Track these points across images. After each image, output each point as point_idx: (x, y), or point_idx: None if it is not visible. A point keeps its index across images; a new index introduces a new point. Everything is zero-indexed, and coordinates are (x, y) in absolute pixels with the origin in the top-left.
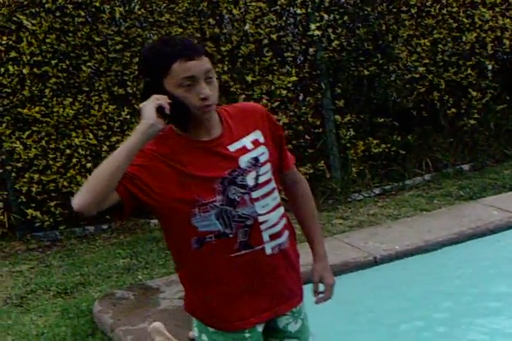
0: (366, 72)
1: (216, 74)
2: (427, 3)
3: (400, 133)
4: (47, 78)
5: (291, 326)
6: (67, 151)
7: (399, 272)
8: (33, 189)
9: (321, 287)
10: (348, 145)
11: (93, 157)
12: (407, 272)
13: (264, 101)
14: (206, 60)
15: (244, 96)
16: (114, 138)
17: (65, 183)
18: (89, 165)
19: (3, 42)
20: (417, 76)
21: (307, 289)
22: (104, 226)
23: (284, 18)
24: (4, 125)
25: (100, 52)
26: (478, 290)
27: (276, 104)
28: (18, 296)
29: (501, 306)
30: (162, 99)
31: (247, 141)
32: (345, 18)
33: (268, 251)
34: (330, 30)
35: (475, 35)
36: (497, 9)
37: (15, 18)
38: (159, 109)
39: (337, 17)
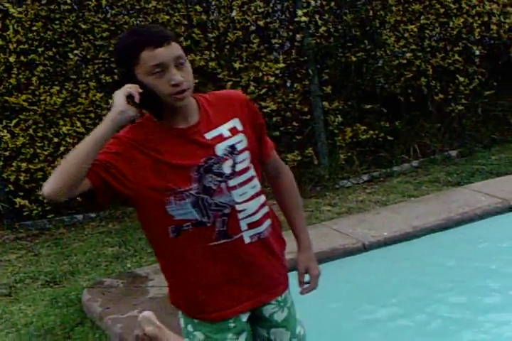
0: (354, 58)
1: (203, 61)
2: None
3: (388, 119)
4: (34, 66)
5: (277, 315)
6: (55, 140)
7: (387, 258)
8: (21, 177)
9: (307, 277)
10: (336, 131)
11: None
12: (396, 258)
13: (252, 88)
14: (176, 47)
15: (231, 83)
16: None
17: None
18: None
19: None
20: (405, 62)
21: (292, 277)
22: (93, 215)
23: (271, 5)
24: None
25: (87, 39)
26: (468, 275)
27: (264, 90)
28: (7, 285)
29: (492, 289)
30: (133, 88)
31: (224, 129)
32: (332, 4)
33: (246, 239)
34: (317, 16)
35: (462, 20)
36: None
37: (0, 6)
38: (129, 97)
39: (324, 3)
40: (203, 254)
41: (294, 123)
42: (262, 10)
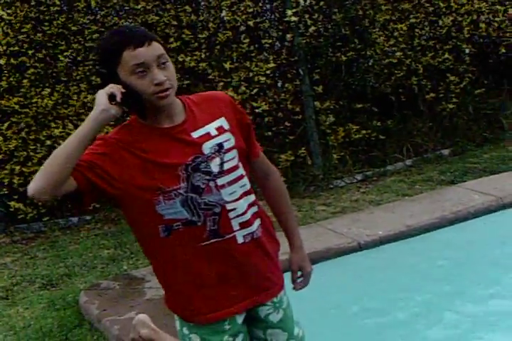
0: (344, 58)
1: (194, 62)
2: None
3: (380, 118)
4: (24, 68)
5: (273, 316)
6: (48, 142)
7: (383, 257)
8: (15, 181)
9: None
10: (328, 131)
11: None
12: (391, 257)
13: (243, 88)
14: (157, 46)
15: (222, 83)
16: None
17: None
18: None
19: None
20: (395, 61)
21: (287, 277)
22: (88, 217)
23: (261, 5)
24: None
25: (77, 41)
26: (463, 274)
27: (256, 90)
28: (4, 289)
29: (487, 288)
30: (115, 88)
31: (211, 128)
32: (322, 3)
33: (240, 239)
34: (306, 15)
35: (451, 18)
36: None
37: None
38: (111, 97)
39: (313, 2)
40: (195, 254)
41: (286, 123)
42: (252, 10)
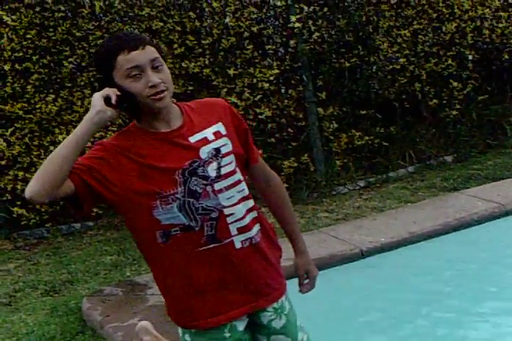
0: (347, 64)
1: (198, 68)
2: None
3: (383, 124)
4: (29, 74)
5: (276, 322)
6: (51, 148)
7: (385, 264)
8: (18, 187)
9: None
10: (332, 137)
11: None
12: (394, 264)
13: (247, 94)
14: (151, 50)
15: (226, 89)
16: (97, 134)
17: None
18: None
19: None
20: (398, 67)
21: (292, 284)
22: (91, 223)
23: (264, 11)
24: None
25: (81, 47)
26: (466, 280)
27: (259, 97)
28: (7, 295)
29: (491, 294)
30: (111, 91)
31: (208, 133)
32: (325, 9)
33: (237, 244)
34: (310, 22)
35: (455, 25)
36: None
37: None
38: (107, 99)
39: (317, 9)
40: (193, 259)
41: (289, 130)
42: (256, 16)
